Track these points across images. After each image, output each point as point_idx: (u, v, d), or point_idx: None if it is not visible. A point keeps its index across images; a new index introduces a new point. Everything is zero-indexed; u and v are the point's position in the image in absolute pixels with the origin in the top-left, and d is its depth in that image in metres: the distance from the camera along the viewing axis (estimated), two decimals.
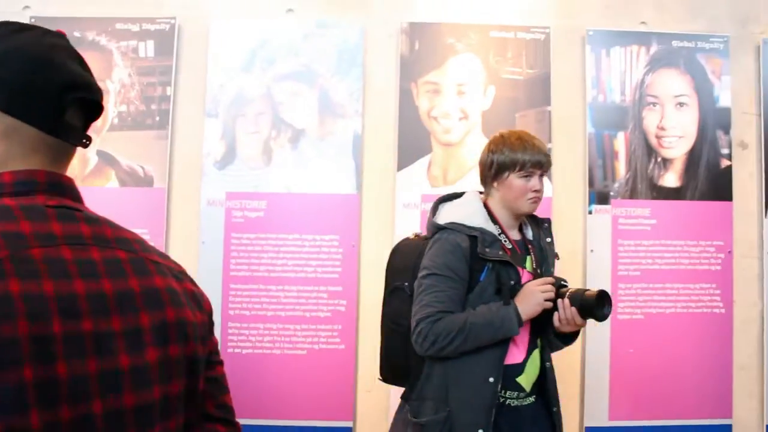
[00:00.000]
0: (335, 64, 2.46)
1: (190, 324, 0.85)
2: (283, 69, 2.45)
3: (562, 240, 2.43)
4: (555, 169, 2.43)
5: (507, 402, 1.65)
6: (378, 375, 1.81)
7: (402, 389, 1.75)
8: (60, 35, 0.89)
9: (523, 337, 1.66)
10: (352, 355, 2.37)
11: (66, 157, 0.87)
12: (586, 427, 2.39)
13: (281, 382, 2.35)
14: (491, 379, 1.60)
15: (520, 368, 1.66)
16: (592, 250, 2.44)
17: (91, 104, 0.89)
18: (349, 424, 2.35)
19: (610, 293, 1.61)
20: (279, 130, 2.44)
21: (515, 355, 1.66)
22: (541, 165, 1.69)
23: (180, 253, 2.40)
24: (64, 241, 0.78)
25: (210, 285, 2.37)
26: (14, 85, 0.82)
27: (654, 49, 2.50)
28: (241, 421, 2.49)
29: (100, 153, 2.42)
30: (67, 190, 0.85)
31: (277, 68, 2.45)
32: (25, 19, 2.44)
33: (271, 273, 2.39)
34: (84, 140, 0.87)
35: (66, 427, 0.70)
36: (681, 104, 2.48)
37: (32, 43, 0.85)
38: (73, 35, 2.44)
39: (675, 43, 2.51)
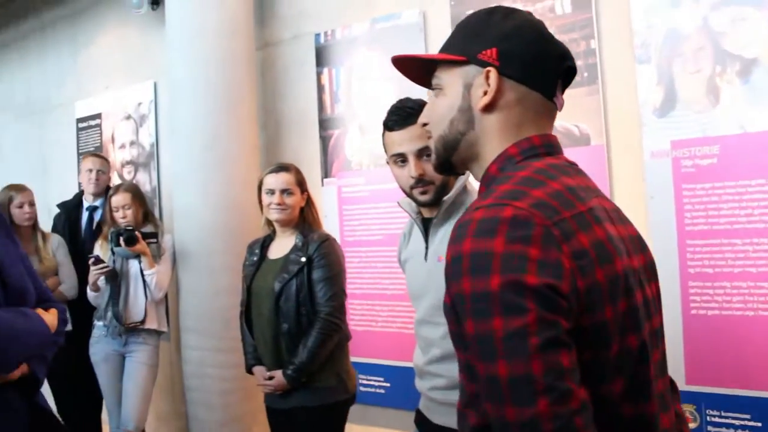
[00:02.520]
0: None
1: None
2: None
3: None
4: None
5: None
6: None
7: None
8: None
9: None
10: None
11: (553, 119, 0.98)
12: None
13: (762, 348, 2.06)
14: None
15: None
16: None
17: (570, 71, 0.98)
18: None
19: None
20: (724, 65, 2.15)
21: None
22: None
23: (627, 210, 2.25)
24: (594, 194, 0.91)
25: (663, 242, 2.19)
26: (525, 56, 0.92)
27: None
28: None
29: None
30: (559, 148, 0.97)
31: None
32: (445, 3, 2.55)
33: (734, 225, 2.11)
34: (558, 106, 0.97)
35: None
36: None
37: (529, 21, 0.95)
38: (489, 4, 2.47)
39: None
